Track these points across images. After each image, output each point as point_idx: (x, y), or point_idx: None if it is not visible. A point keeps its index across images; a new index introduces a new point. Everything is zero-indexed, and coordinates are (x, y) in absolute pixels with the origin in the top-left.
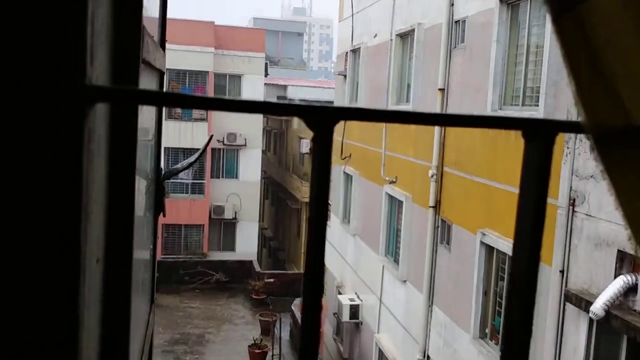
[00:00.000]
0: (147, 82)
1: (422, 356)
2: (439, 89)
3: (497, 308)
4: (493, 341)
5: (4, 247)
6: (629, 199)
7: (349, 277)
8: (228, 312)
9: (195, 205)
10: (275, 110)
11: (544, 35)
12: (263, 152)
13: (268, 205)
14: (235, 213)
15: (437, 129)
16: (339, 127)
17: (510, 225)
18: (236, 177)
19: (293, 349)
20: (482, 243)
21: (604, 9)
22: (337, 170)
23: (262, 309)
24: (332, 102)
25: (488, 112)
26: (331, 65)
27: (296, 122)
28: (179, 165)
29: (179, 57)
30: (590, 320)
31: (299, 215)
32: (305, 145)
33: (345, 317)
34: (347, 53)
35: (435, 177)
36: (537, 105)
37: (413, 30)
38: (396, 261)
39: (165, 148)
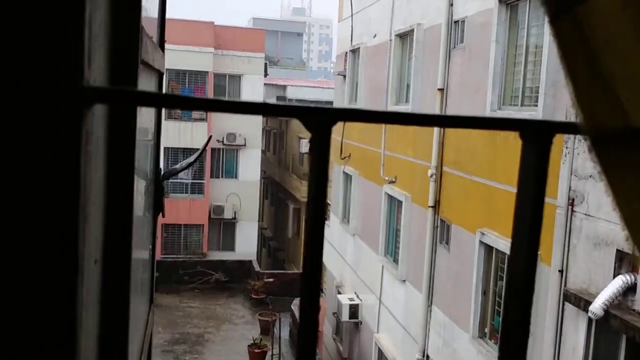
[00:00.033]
0: (146, 82)
1: (422, 356)
2: (438, 89)
3: (496, 308)
4: (492, 341)
5: (1, 248)
6: (627, 201)
7: (349, 277)
8: (228, 312)
9: (195, 205)
10: (273, 111)
11: (543, 35)
12: (262, 152)
13: (267, 205)
14: (235, 213)
15: (436, 128)
16: (339, 127)
17: (509, 225)
18: (236, 177)
19: (293, 348)
20: (481, 243)
21: (602, 11)
22: (337, 170)
23: (261, 309)
24: (331, 102)
25: (487, 112)
26: (331, 66)
27: (296, 122)
28: (178, 166)
29: (178, 57)
30: (590, 320)
31: (299, 215)
32: (305, 145)
33: (345, 316)
34: (346, 53)
35: (434, 176)
36: (536, 105)
37: (412, 30)
38: (395, 261)
39: (164, 148)
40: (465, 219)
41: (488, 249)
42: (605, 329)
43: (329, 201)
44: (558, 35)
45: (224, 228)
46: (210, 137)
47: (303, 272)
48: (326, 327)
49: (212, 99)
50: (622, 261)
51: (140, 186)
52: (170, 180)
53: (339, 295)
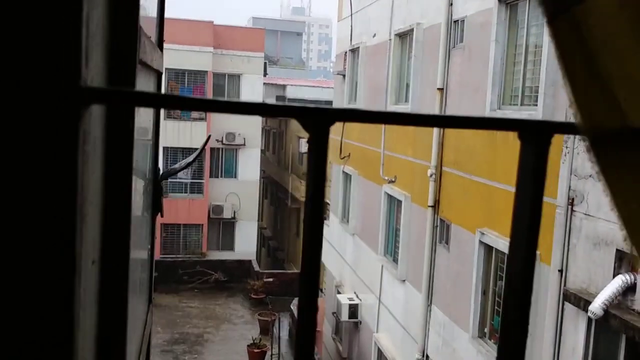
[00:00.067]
0: (144, 82)
1: (421, 355)
2: (438, 89)
3: (496, 307)
4: (492, 340)
5: None
6: (625, 201)
7: (348, 277)
8: (227, 312)
9: (194, 205)
10: (271, 112)
11: (543, 35)
12: (262, 151)
13: (267, 205)
14: (234, 212)
15: (436, 128)
16: (338, 127)
17: (509, 225)
18: (235, 177)
19: (292, 348)
20: (481, 242)
21: (600, 11)
22: (336, 170)
23: (261, 309)
24: (331, 102)
25: (487, 111)
26: (330, 65)
27: (295, 122)
28: (177, 165)
29: (177, 56)
30: (589, 320)
31: (298, 214)
32: (304, 145)
33: (344, 316)
34: (346, 53)
35: (434, 176)
36: (536, 105)
37: (412, 30)
38: (395, 260)
39: (163, 148)
40: (465, 218)
41: (488, 248)
42: (605, 329)
43: (328, 201)
44: (556, 36)
45: (223, 228)
46: (209, 137)
47: (302, 272)
48: (326, 327)
49: (209, 99)
50: (622, 261)
51: (138, 186)
52: (170, 180)
53: (338, 295)
